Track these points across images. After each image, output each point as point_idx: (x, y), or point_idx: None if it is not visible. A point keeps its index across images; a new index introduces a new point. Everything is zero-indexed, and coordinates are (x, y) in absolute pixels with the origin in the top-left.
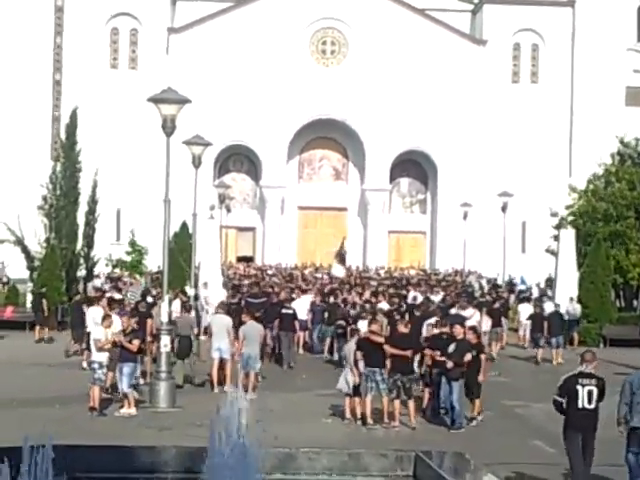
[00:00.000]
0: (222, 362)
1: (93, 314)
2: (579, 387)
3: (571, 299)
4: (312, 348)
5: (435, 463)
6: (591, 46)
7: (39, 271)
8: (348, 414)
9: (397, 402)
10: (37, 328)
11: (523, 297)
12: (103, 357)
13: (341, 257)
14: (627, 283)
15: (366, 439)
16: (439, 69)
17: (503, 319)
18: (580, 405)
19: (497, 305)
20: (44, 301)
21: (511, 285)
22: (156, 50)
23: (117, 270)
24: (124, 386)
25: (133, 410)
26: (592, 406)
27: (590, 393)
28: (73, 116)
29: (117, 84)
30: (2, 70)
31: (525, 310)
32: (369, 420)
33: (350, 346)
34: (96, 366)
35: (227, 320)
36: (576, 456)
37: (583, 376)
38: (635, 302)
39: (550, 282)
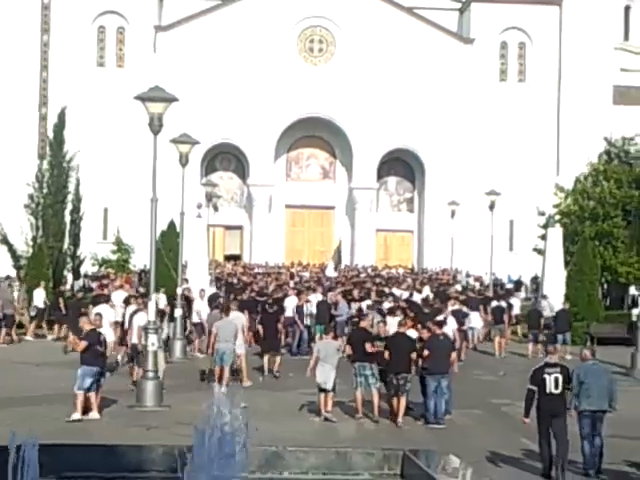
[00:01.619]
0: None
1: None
2: (546, 375)
3: (544, 296)
4: (291, 349)
5: (423, 462)
6: (578, 45)
7: (26, 270)
8: (329, 408)
9: (395, 399)
10: (56, 327)
11: (499, 295)
12: None
13: (338, 260)
14: (616, 282)
15: (352, 437)
16: (426, 67)
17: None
18: (548, 391)
19: (500, 303)
20: (61, 300)
21: (518, 284)
22: (143, 48)
23: (102, 269)
24: (84, 387)
25: (92, 414)
26: (558, 391)
27: (556, 380)
28: (61, 115)
29: (104, 82)
30: None
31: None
32: (359, 414)
33: (326, 343)
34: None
35: (242, 318)
36: (544, 438)
37: (549, 366)
38: (625, 300)
39: (536, 280)
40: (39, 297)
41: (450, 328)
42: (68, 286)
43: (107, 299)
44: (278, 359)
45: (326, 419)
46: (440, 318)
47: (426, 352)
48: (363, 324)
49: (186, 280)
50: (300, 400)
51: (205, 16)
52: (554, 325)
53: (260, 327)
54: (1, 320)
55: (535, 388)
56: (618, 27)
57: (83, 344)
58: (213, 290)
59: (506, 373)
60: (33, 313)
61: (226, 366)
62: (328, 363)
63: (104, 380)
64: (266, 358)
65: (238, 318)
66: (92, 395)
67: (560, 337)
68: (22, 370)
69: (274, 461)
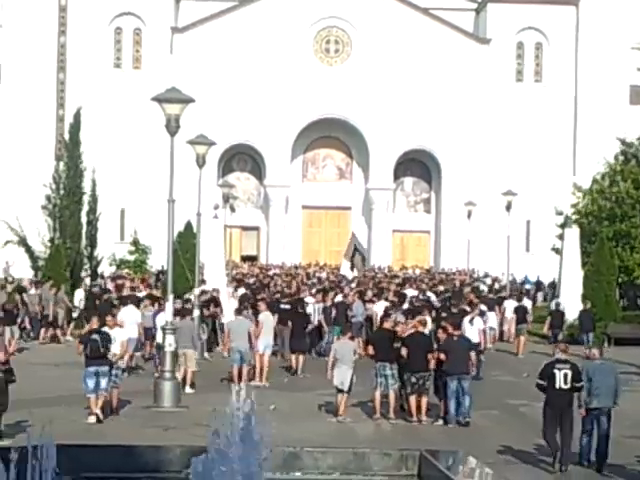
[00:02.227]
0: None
1: (126, 313)
2: (556, 371)
3: (554, 297)
4: (320, 350)
5: (440, 462)
6: (595, 45)
7: (44, 271)
8: (342, 411)
9: (412, 397)
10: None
11: (510, 293)
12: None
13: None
14: (632, 282)
15: (369, 437)
16: (443, 68)
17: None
18: (557, 386)
19: (522, 302)
20: (97, 302)
21: (539, 285)
22: (160, 50)
23: (120, 270)
24: (89, 389)
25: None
26: (567, 386)
27: (565, 375)
28: (77, 116)
29: (121, 84)
30: (6, 70)
31: (510, 306)
32: (376, 415)
33: (343, 344)
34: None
35: (272, 318)
36: (551, 432)
37: (559, 362)
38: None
39: (553, 285)
40: (79, 298)
41: (476, 328)
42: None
43: (136, 299)
44: (302, 359)
45: (339, 422)
46: (467, 318)
47: (442, 355)
48: (387, 324)
49: (204, 281)
50: (318, 401)
51: (221, 17)
52: (578, 325)
53: (290, 326)
54: (40, 320)
55: (544, 382)
56: (635, 27)
57: (80, 347)
58: (242, 291)
59: (529, 374)
60: (76, 314)
61: (245, 365)
62: (345, 364)
63: (119, 380)
64: (294, 357)
65: (267, 318)
66: (100, 395)
67: (584, 337)
68: (43, 371)
69: (292, 461)
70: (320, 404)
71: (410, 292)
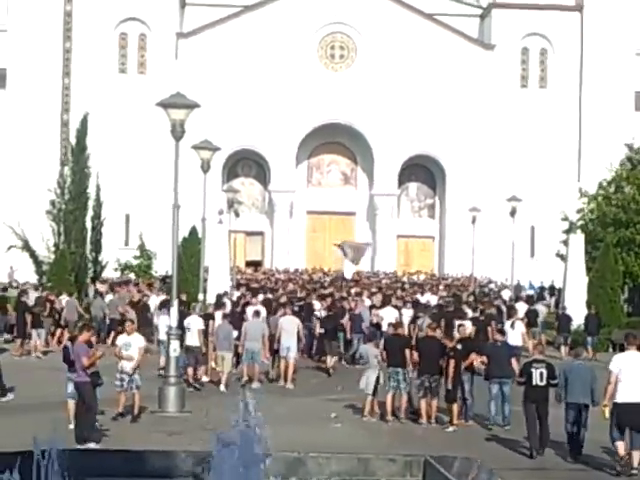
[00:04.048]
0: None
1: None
2: (533, 370)
3: (542, 299)
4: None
5: (445, 468)
6: (600, 51)
7: (48, 276)
8: (367, 412)
9: (423, 401)
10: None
11: (517, 297)
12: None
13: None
14: (637, 288)
15: (374, 442)
16: (447, 74)
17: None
18: (534, 383)
19: (534, 307)
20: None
21: (552, 290)
22: (165, 55)
23: (126, 274)
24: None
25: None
26: (543, 383)
27: (541, 374)
28: (84, 121)
29: (126, 89)
30: (12, 74)
31: (521, 309)
32: (388, 417)
33: (368, 348)
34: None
35: (296, 321)
36: (531, 422)
37: (536, 362)
38: None
39: (552, 290)
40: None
41: (518, 332)
42: (91, 292)
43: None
44: (329, 359)
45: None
46: (509, 322)
47: (484, 358)
48: (400, 330)
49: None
50: (323, 406)
51: (226, 23)
52: (584, 329)
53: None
54: (109, 325)
55: (522, 380)
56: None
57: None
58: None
59: None
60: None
61: (256, 364)
62: (371, 368)
63: (134, 385)
64: (329, 359)
65: (292, 322)
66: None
67: (590, 339)
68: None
69: (296, 467)
70: (326, 409)
71: (424, 298)
